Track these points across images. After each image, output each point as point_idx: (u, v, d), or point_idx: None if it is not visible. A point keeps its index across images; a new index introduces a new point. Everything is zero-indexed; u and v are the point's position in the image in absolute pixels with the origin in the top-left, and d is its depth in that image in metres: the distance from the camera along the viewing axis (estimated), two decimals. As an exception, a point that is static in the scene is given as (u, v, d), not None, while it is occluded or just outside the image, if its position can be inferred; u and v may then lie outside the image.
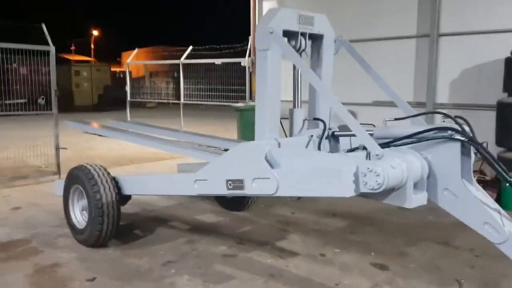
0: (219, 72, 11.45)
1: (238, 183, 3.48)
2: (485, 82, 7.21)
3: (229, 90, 11.43)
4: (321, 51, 4.03)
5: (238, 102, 10.99)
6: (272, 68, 3.62)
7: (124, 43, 47.12)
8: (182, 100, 12.10)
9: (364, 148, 3.20)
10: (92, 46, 49.71)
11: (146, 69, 25.11)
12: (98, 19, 54.35)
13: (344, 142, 3.84)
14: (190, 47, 11.86)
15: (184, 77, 11.87)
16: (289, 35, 3.77)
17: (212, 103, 11.99)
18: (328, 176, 2.93)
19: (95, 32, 50.21)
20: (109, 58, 43.04)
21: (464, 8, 7.46)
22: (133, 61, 13.76)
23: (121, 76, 31.95)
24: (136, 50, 13.80)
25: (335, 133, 3.81)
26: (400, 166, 2.80)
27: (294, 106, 4.01)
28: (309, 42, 3.93)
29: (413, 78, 8.12)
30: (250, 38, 10.74)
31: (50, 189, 6.30)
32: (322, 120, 3.86)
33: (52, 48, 7.68)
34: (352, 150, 3.36)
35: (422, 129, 3.02)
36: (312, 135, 3.78)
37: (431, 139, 2.97)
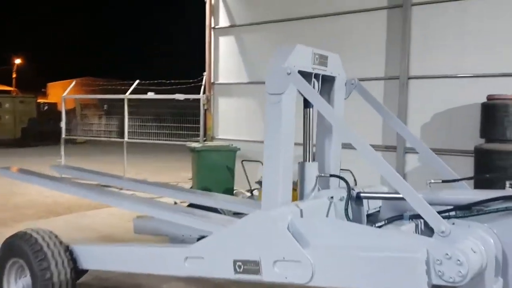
0: (169, 109, 10.66)
1: (251, 266, 2.72)
2: (459, 126, 7.07)
3: (180, 128, 10.64)
4: (332, 95, 3.49)
5: (190, 141, 10.24)
6: (286, 116, 3.00)
7: (50, 73, 44.56)
8: (126, 139, 11.07)
9: (412, 218, 2.65)
10: (14, 75, 46.48)
11: (77, 102, 23.51)
12: (22, 47, 51.04)
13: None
14: (137, 81, 10.99)
15: (129, 113, 10.92)
16: (302, 76, 3.19)
17: (160, 141, 11.08)
18: (391, 265, 2.28)
19: (18, 61, 47.06)
20: (32, 88, 40.19)
21: (434, 52, 7.38)
22: (71, 94, 12.58)
23: (46, 108, 29.82)
24: (74, 82, 12.63)
25: (361, 194, 3.20)
26: (479, 248, 2.24)
27: (305, 159, 3.37)
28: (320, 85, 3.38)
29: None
30: (205, 74, 10.13)
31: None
32: (341, 178, 3.26)
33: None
34: (390, 220, 2.77)
35: (489, 197, 2.51)
36: (332, 197, 3.16)
37: (503, 211, 2.46)
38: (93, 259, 3.62)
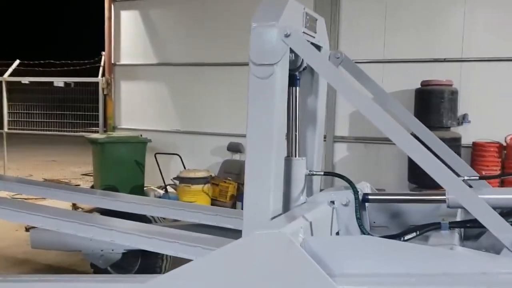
0: (60, 94, 9.06)
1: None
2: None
3: (74, 116, 9.13)
4: (318, 73, 2.72)
5: (87, 131, 8.84)
6: (280, 96, 2.21)
7: None
8: (5, 129, 9.24)
9: (452, 227, 2.04)
10: None
11: None
12: None
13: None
14: (17, 62, 9.18)
15: (9, 100, 9.11)
16: None
17: (50, 132, 9.43)
18: None
19: None
20: None
21: (361, 37, 7.02)
22: None
23: None
24: None
25: (369, 197, 2.49)
26: None
27: (289, 154, 2.58)
28: None
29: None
30: (105, 53, 8.76)
31: None
32: (342, 176, 2.53)
33: None
34: (423, 230, 2.12)
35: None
36: (332, 202, 2.42)
37: None
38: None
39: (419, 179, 6.22)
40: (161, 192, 7.77)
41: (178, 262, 3.27)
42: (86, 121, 9.10)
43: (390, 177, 6.59)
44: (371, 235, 2.18)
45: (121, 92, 8.84)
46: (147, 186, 7.78)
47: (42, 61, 9.16)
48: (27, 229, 3.82)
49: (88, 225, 3.00)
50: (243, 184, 7.52)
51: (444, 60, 6.46)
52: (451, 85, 6.16)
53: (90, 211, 6.28)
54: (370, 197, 2.45)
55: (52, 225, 3.33)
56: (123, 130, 8.59)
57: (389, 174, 6.66)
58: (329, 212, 2.33)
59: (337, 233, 2.42)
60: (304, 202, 2.47)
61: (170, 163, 7.79)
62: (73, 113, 9.23)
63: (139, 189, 7.49)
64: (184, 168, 7.36)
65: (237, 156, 7.88)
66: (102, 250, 3.84)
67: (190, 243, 2.62)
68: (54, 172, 11.20)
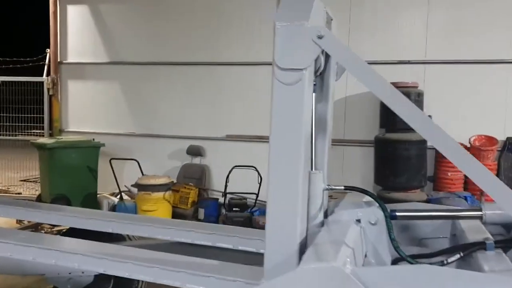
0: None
1: None
2: (354, 116, 6.76)
3: (14, 119, 8.34)
4: (328, 76, 2.51)
5: (30, 135, 8.12)
6: (308, 104, 1.98)
7: None
8: None
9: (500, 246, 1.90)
10: None
11: None
12: None
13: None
14: None
15: None
16: None
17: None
18: None
19: None
20: None
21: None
22: None
23: None
24: None
25: (397, 213, 2.29)
26: None
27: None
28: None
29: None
30: (49, 51, 8.07)
31: None
32: (365, 191, 2.32)
33: None
34: (468, 250, 1.95)
35: None
36: (359, 220, 2.21)
37: None
38: None
39: (385, 181, 6.23)
40: (115, 200, 7.28)
41: (152, 284, 2.94)
42: (26, 124, 8.34)
43: (356, 179, 6.54)
44: (411, 260, 1.98)
45: (68, 92, 8.20)
46: (100, 193, 7.26)
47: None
48: None
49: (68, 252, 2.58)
50: (204, 190, 7.18)
51: (409, 62, 6.50)
52: (416, 87, 6.20)
53: (35, 226, 5.74)
54: (398, 213, 2.26)
55: (4, 251, 2.91)
56: (71, 133, 7.97)
57: (355, 176, 6.62)
58: (358, 233, 2.12)
59: (365, 255, 2.22)
60: (322, 220, 2.24)
61: (124, 168, 7.32)
62: (12, 115, 8.44)
63: (91, 197, 6.97)
64: (142, 174, 6.92)
65: (197, 160, 7.54)
66: (70, 273, 3.41)
67: (198, 272, 2.30)
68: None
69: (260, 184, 6.33)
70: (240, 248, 2.83)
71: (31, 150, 11.66)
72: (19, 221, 6.11)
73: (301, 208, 1.99)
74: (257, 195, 6.42)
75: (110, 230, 3.40)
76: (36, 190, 9.16)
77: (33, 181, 10.34)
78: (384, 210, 2.17)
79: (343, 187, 2.33)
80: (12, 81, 7.98)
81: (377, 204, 2.28)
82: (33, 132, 8.20)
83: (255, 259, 2.71)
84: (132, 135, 7.83)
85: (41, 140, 7.05)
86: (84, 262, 2.80)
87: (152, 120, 7.79)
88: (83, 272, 3.40)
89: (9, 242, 2.85)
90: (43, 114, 7.92)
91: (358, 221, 2.21)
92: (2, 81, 8.01)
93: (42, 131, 7.99)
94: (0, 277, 4.02)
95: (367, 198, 2.48)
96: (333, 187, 2.32)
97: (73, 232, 3.55)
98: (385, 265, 2.14)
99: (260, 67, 7.08)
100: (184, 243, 3.24)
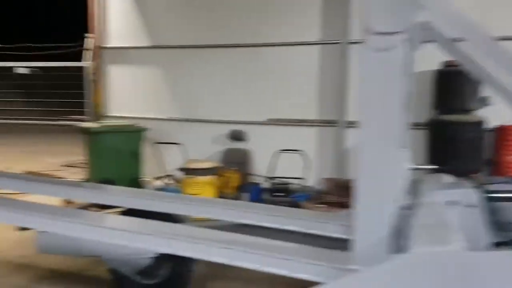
0: (43, 81, 8.29)
1: None
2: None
3: (56, 104, 8.42)
4: (414, 45, 2.31)
5: (74, 120, 8.18)
6: (403, 72, 1.80)
7: None
8: (-18, 119, 8.48)
9: None
10: None
11: None
12: None
13: None
14: (-7, 45, 8.41)
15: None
16: None
17: (31, 122, 8.70)
18: None
19: None
20: None
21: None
22: None
23: None
24: None
25: (496, 195, 2.08)
26: None
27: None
28: None
29: (317, 91, 6.96)
30: (90, 36, 8.07)
31: None
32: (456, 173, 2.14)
33: None
34: None
35: None
36: (453, 202, 2.03)
37: None
38: None
39: (439, 165, 5.96)
40: (159, 184, 7.28)
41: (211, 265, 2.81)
42: (65, 109, 8.39)
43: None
44: None
45: (110, 77, 8.19)
46: (143, 178, 7.26)
47: (20, 45, 8.38)
48: (20, 229, 3.30)
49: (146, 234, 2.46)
50: (247, 174, 7.09)
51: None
52: (473, 66, 5.87)
53: (84, 207, 5.74)
54: (496, 195, 2.06)
55: (73, 230, 2.85)
56: (113, 118, 7.97)
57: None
58: (457, 215, 1.94)
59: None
60: (411, 202, 2.07)
61: (167, 153, 7.27)
62: (50, 100, 8.51)
63: (136, 181, 6.97)
64: (186, 158, 6.87)
65: (239, 145, 7.43)
66: (127, 255, 3.36)
67: (277, 254, 2.17)
68: (31, 164, 10.44)
69: (306, 168, 6.17)
70: (312, 232, 2.67)
71: (70, 136, 11.89)
72: (67, 202, 6.16)
73: (392, 189, 1.82)
74: (303, 180, 6.27)
75: (173, 212, 3.31)
76: (77, 174, 9.27)
77: (75, 166, 10.49)
78: (483, 191, 1.98)
79: (430, 167, 2.15)
80: (49, 67, 8.02)
81: (468, 186, 2.10)
82: (73, 118, 8.24)
83: (320, 243, 2.57)
84: (172, 120, 7.78)
85: (86, 124, 7.08)
86: (151, 243, 2.70)
87: (194, 104, 7.71)
88: (141, 254, 3.35)
89: (72, 221, 2.78)
90: (83, 99, 7.93)
91: (452, 203, 2.03)
92: (42, 67, 8.07)
93: (83, 117, 8.02)
94: (58, 258, 4.02)
95: (450, 179, 2.30)
96: (421, 166, 2.15)
97: (130, 213, 3.49)
98: (483, 249, 1.96)
99: (305, 47, 6.88)
100: (244, 224, 3.13)
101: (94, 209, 5.50)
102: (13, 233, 3.80)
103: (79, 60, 7.95)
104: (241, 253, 2.26)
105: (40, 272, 4.31)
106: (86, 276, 4.24)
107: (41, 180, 4.29)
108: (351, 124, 6.73)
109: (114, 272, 3.65)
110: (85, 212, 4.14)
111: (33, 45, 8.25)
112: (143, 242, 2.72)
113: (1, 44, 8.32)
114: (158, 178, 7.40)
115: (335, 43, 6.74)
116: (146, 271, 3.52)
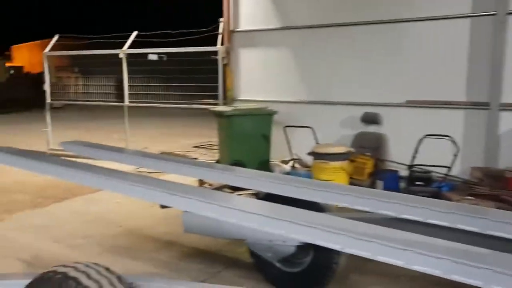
0: (176, 65, 8.68)
1: None
2: None
3: (189, 88, 8.75)
4: None
5: (207, 104, 8.42)
6: None
7: (12, 35, 39.53)
8: (127, 102, 9.15)
9: None
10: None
11: (49, 63, 20.93)
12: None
13: None
14: (135, 33, 8.96)
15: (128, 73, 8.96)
16: None
17: (168, 105, 9.18)
18: None
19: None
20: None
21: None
22: (53, 51, 10.33)
23: (12, 72, 27.24)
24: (56, 37, 10.44)
25: None
26: None
27: None
28: None
29: (466, 69, 6.21)
30: (223, 20, 8.19)
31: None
32: None
33: None
34: None
35: None
36: None
37: None
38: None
39: None
40: (287, 167, 7.17)
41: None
42: (202, 93, 8.65)
43: None
44: None
45: (240, 61, 8.25)
46: (271, 161, 7.22)
47: (157, 32, 8.83)
48: (162, 207, 3.34)
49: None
50: (381, 160, 6.56)
51: None
52: None
53: (219, 188, 5.81)
54: None
55: (219, 213, 2.76)
56: (243, 102, 8.03)
57: None
58: None
59: None
60: None
61: (294, 136, 7.10)
62: (183, 84, 8.83)
63: (265, 164, 6.95)
64: (316, 142, 6.64)
65: (372, 128, 6.99)
66: (270, 241, 3.24)
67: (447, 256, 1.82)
68: (163, 144, 11.12)
69: (454, 156, 5.55)
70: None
71: (203, 119, 12.44)
72: (200, 182, 6.35)
73: None
74: (449, 168, 5.65)
75: (308, 198, 3.10)
76: (207, 155, 9.62)
77: (205, 147, 10.94)
78: None
79: None
80: (181, 52, 8.29)
81: None
82: (207, 102, 8.48)
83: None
84: (301, 103, 7.58)
85: (220, 108, 7.21)
86: (292, 230, 2.50)
87: (324, 86, 7.42)
88: (284, 241, 3.20)
89: (219, 204, 2.70)
90: (216, 83, 8.08)
91: None
92: (177, 52, 8.38)
93: (216, 100, 8.19)
94: (195, 236, 4.08)
95: None
96: None
97: (268, 198, 3.35)
98: None
99: (452, 21, 6.17)
100: (397, 219, 2.79)
101: (228, 190, 5.58)
102: (158, 210, 3.93)
103: (214, 44, 8.10)
104: (387, 248, 1.95)
105: (184, 250, 4.44)
106: (224, 256, 4.26)
107: (177, 160, 4.38)
108: (506, 107, 5.89)
109: (256, 256, 3.58)
110: (228, 195, 4.14)
111: (170, 31, 8.61)
112: (285, 229, 2.53)
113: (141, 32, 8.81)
114: (285, 161, 7.30)
115: (489, 15, 5.91)
116: (289, 259, 3.38)
